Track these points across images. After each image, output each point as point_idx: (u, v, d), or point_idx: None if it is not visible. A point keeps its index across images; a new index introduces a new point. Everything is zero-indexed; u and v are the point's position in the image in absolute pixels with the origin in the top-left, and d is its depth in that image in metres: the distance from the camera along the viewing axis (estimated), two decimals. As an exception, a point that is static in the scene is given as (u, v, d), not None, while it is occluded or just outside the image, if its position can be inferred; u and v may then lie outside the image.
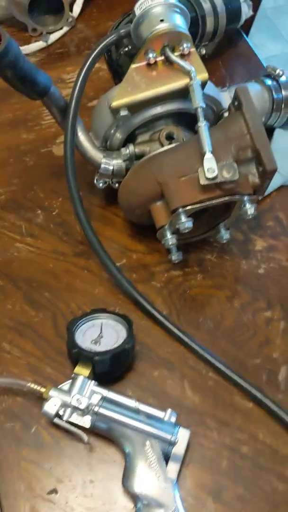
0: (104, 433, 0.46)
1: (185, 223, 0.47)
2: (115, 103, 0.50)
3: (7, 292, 0.55)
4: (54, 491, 0.45)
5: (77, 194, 0.52)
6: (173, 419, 0.46)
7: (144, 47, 0.49)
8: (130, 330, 0.49)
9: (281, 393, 0.50)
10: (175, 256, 0.53)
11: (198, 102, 0.47)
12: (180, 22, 0.50)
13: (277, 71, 0.61)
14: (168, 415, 0.46)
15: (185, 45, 0.49)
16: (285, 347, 0.52)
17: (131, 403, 0.46)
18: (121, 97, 0.50)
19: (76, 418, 0.45)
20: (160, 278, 0.57)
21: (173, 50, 0.50)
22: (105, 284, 0.56)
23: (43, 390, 0.46)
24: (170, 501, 0.42)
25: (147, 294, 0.54)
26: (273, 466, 0.46)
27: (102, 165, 0.54)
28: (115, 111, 0.51)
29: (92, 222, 0.54)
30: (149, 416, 0.45)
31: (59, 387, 0.47)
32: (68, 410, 0.45)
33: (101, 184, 0.57)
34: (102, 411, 0.45)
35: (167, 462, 0.44)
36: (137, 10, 0.51)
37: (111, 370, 0.47)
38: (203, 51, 0.70)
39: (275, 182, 0.61)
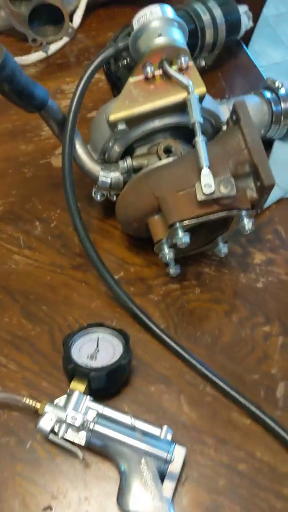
0: (99, 450, 0.46)
1: (182, 238, 0.46)
2: (112, 117, 0.50)
3: (5, 305, 0.55)
4: (49, 508, 0.45)
5: (76, 207, 0.52)
6: (169, 436, 0.45)
7: (142, 61, 0.49)
8: (127, 345, 0.49)
9: (279, 409, 0.49)
10: (173, 270, 0.53)
11: (195, 116, 0.47)
12: (178, 36, 0.50)
13: (277, 84, 0.61)
14: (164, 432, 0.45)
15: (183, 59, 0.49)
16: (284, 363, 0.52)
17: (127, 419, 0.45)
18: (119, 110, 0.50)
19: (71, 435, 0.45)
20: (158, 291, 0.56)
21: (171, 64, 0.50)
22: (102, 297, 0.55)
23: (38, 405, 0.46)
24: (166, 520, 0.42)
25: (144, 308, 0.54)
26: (271, 484, 0.46)
27: (100, 178, 0.54)
28: (112, 125, 0.50)
29: (90, 234, 0.53)
30: (145, 433, 0.45)
31: (54, 402, 0.46)
32: (63, 426, 0.45)
33: (99, 197, 0.56)
34: (98, 428, 0.44)
35: (162, 480, 0.44)
36: (135, 24, 0.51)
37: (107, 386, 0.47)
38: (203, 63, 0.70)
39: (274, 195, 0.61)
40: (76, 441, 0.45)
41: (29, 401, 0.46)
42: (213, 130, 0.56)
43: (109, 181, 0.54)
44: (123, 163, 0.53)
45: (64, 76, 0.75)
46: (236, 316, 0.55)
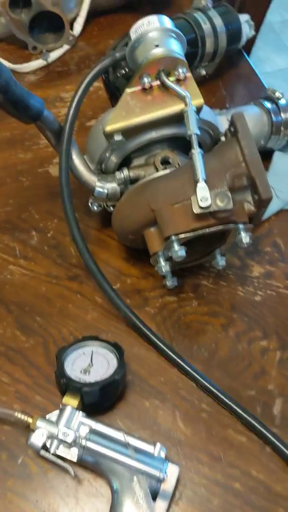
0: (91, 467, 0.45)
1: (178, 251, 0.46)
2: (108, 128, 0.49)
3: (-1, 316, 0.54)
4: (40, 525, 0.44)
5: (74, 217, 0.52)
6: (162, 454, 0.44)
7: (139, 72, 0.48)
8: (121, 359, 0.48)
9: (276, 427, 0.48)
10: (169, 282, 0.52)
11: (192, 129, 0.46)
12: (175, 47, 0.49)
13: (277, 94, 0.60)
14: (158, 450, 0.44)
15: (180, 70, 0.48)
16: (281, 379, 0.51)
17: (120, 436, 0.45)
18: (115, 121, 0.49)
19: (63, 451, 0.44)
20: (154, 303, 0.55)
21: (168, 75, 0.49)
22: (98, 309, 0.55)
23: (30, 420, 0.45)
24: None
25: (140, 321, 0.53)
26: (266, 504, 0.45)
27: (96, 189, 0.53)
28: (109, 136, 0.50)
29: (88, 244, 0.53)
30: (138, 451, 0.44)
31: (46, 417, 0.46)
32: (55, 442, 0.44)
33: (95, 208, 0.56)
34: (90, 444, 0.44)
35: (155, 499, 0.43)
36: (133, 34, 0.50)
37: (100, 401, 0.46)
38: (203, 72, 0.70)
39: (274, 206, 0.60)
40: (68, 457, 0.44)
41: (21, 416, 0.45)
42: (211, 140, 0.55)
43: (105, 192, 0.53)
44: (119, 174, 0.53)
45: (64, 84, 0.75)
46: (233, 330, 0.54)
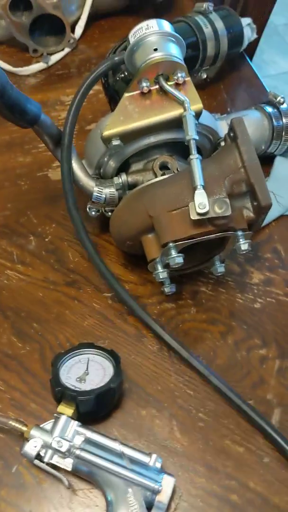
0: (85, 477, 0.44)
1: (175, 258, 0.45)
2: (106, 133, 0.49)
3: (-5, 322, 0.54)
4: (33, 536, 0.43)
5: (81, 224, 0.52)
6: (158, 465, 0.44)
7: (138, 77, 0.48)
8: (118, 367, 0.47)
9: (274, 437, 0.47)
10: (167, 289, 0.51)
11: (190, 134, 0.45)
12: (174, 51, 0.48)
13: (278, 98, 0.60)
14: (153, 461, 0.43)
15: (179, 74, 0.48)
16: (280, 388, 0.50)
17: (115, 446, 0.44)
18: (113, 126, 0.48)
19: (57, 460, 0.43)
20: (153, 310, 0.55)
21: (167, 80, 0.48)
22: (95, 315, 0.54)
23: (24, 429, 0.44)
24: None
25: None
26: (263, 516, 0.44)
27: (94, 194, 0.53)
28: (106, 141, 0.49)
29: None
30: (133, 461, 0.43)
31: (41, 426, 0.45)
32: (50, 452, 0.44)
33: (93, 213, 0.55)
34: (84, 454, 0.43)
35: (150, 511, 0.42)
36: (131, 38, 0.49)
37: (96, 409, 0.46)
38: (204, 75, 0.69)
39: (274, 212, 0.60)
40: (62, 467, 0.43)
41: (15, 424, 0.45)
42: (211, 145, 0.54)
43: (103, 196, 0.53)
44: (118, 179, 0.52)
45: (64, 87, 0.75)
46: (232, 338, 0.53)
